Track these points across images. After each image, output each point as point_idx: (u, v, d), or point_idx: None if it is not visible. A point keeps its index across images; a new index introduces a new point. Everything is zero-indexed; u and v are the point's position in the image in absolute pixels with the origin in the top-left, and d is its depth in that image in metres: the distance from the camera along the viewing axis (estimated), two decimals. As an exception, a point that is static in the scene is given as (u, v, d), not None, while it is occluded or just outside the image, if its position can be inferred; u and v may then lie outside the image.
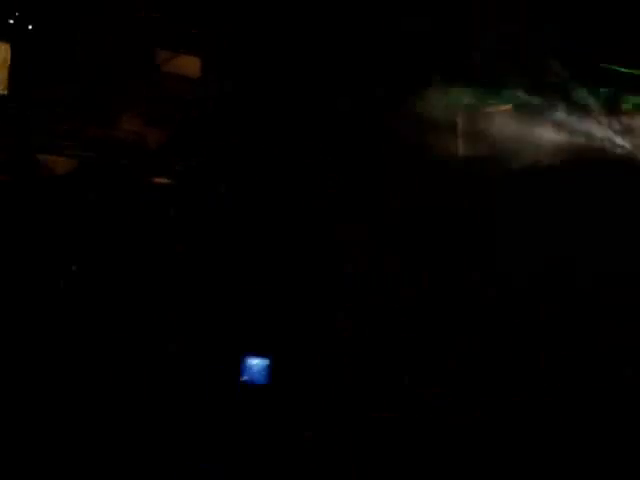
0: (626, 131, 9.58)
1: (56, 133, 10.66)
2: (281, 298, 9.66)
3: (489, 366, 8.02)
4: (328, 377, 8.26)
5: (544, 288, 8.91)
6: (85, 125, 10.85)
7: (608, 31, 9.37)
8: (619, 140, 9.25)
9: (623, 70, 9.36)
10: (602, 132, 9.38)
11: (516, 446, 6.44)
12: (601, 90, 9.33)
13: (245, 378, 8.94)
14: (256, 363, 9.01)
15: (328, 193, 10.55)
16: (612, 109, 9.36)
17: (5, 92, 10.75)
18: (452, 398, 7.38)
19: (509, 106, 10.49)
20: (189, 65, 11.56)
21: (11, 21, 10.57)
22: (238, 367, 8.97)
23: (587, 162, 9.16)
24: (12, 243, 9.88)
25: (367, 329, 8.93)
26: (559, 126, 9.90)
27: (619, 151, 9.23)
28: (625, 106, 9.52)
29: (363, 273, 9.76)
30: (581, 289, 8.50)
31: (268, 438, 7.39)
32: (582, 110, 9.58)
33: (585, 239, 8.60)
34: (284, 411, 7.96)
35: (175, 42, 11.41)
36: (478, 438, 6.53)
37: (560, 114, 9.82)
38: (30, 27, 10.70)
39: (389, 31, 10.68)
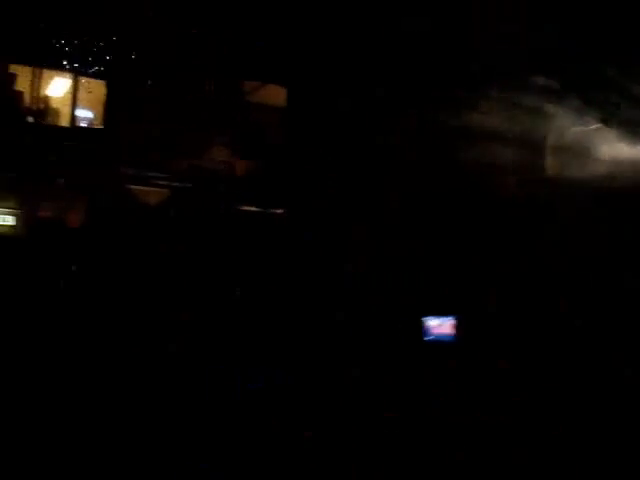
0: None
1: (148, 165, 11.07)
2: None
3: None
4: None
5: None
6: (175, 156, 11.22)
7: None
8: None
9: None
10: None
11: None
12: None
13: (430, 337, 9.21)
14: (440, 322, 9.28)
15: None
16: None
17: (101, 126, 11.32)
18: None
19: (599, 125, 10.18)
20: (274, 95, 11.81)
21: (106, 60, 11.14)
22: (421, 327, 9.24)
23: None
24: (105, 270, 10.27)
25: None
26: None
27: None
28: None
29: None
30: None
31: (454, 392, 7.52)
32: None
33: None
34: (472, 368, 8.04)
35: (261, 73, 11.71)
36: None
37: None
38: (123, 65, 11.23)
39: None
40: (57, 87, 11.26)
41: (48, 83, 11.10)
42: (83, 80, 11.17)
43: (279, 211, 11.47)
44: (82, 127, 11.29)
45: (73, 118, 11.11)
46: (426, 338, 9.24)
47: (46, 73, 11.00)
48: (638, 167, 9.72)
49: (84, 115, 11.31)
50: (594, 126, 10.31)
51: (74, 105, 11.10)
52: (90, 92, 11.31)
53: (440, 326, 9.27)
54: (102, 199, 10.78)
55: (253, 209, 11.41)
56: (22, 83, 10.83)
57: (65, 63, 10.95)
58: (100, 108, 11.33)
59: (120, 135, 11.11)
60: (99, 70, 11.18)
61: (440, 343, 9.13)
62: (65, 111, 11.17)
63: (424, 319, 9.29)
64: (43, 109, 11.00)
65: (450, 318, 9.32)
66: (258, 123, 11.81)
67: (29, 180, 10.47)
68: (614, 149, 9.84)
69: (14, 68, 10.71)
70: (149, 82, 11.29)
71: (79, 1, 10.89)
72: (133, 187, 10.92)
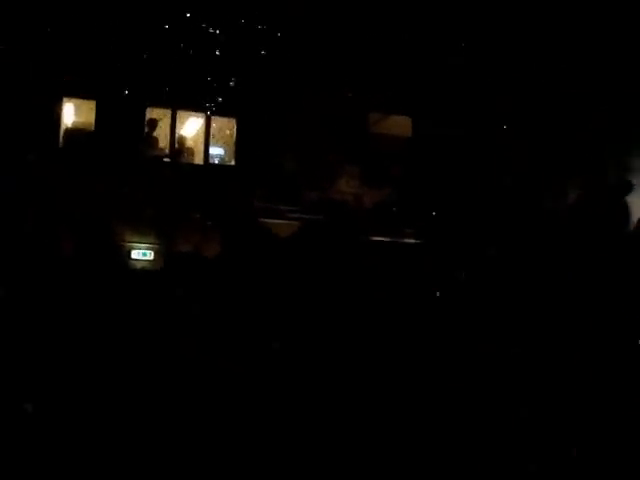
0: None
1: (279, 198, 11.25)
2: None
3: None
4: None
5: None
6: (305, 189, 11.36)
7: None
8: None
9: None
10: None
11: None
12: None
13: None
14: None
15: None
16: None
17: (233, 163, 11.63)
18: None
19: None
20: (399, 125, 11.85)
21: (236, 99, 11.48)
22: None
23: None
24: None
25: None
26: None
27: None
28: None
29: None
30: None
31: None
32: None
33: None
34: None
35: (385, 104, 11.79)
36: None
37: None
38: (252, 103, 11.55)
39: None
40: (191, 127, 11.69)
41: (183, 124, 11.53)
42: (215, 119, 11.52)
43: (410, 240, 11.37)
44: (214, 164, 11.62)
45: (206, 156, 11.44)
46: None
47: (180, 114, 11.40)
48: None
49: (216, 152, 11.65)
50: None
51: (207, 143, 11.44)
52: (221, 130, 11.67)
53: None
54: (236, 233, 11.00)
55: (384, 239, 11.36)
56: (160, 125, 11.28)
57: (198, 104, 11.34)
58: (231, 145, 11.65)
59: (251, 170, 11.37)
60: (230, 109, 11.52)
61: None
62: (198, 149, 11.53)
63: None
64: (178, 149, 11.40)
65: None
66: (384, 153, 11.84)
67: (167, 216, 10.82)
68: None
69: (153, 112, 11.17)
70: (277, 118, 11.53)
71: (210, 47, 11.37)
72: (265, 220, 11.10)
